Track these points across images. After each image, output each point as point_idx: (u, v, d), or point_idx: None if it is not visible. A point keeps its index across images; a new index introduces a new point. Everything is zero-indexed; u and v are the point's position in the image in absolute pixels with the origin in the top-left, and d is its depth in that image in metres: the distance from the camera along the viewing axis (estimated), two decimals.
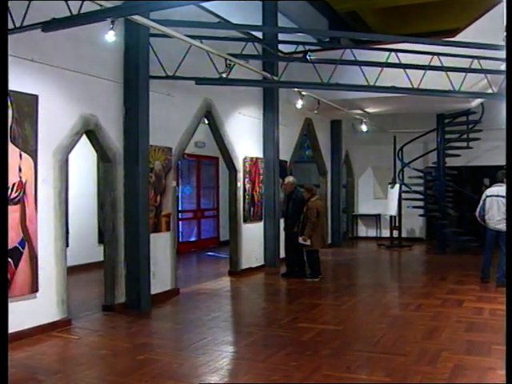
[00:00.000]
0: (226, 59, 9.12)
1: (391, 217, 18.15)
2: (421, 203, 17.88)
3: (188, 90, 10.38)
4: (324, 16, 18.03)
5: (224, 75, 9.27)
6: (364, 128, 16.18)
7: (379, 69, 10.13)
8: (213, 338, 7.47)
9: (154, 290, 9.45)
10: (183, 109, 10.56)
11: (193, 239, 17.56)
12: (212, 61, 9.26)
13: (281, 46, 12.94)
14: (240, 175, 12.72)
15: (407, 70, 10.06)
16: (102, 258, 10.35)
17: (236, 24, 10.33)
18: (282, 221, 13.29)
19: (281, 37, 12.72)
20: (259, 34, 12.65)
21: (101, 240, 12.90)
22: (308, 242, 11.51)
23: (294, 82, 11.50)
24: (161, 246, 9.90)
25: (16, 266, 7.24)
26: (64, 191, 8.09)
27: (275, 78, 11.36)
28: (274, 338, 7.55)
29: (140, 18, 7.34)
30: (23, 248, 7.33)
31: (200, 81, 9.97)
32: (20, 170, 7.26)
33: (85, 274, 11.91)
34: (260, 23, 13.10)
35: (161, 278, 9.87)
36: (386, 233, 19.38)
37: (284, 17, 14.54)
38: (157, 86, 9.52)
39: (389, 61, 10.01)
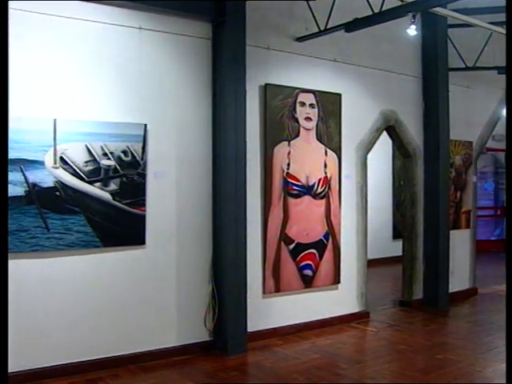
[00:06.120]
0: None
1: None
2: None
3: (488, 81, 9.87)
4: None
5: None
6: None
7: None
8: None
9: (452, 288, 9.21)
10: (483, 101, 10.09)
11: (493, 238, 16.68)
12: None
13: None
14: None
15: None
16: (395, 254, 10.40)
17: None
18: None
19: None
20: None
21: (395, 235, 12.99)
22: None
23: None
24: (460, 243, 9.60)
25: (321, 257, 7.61)
26: (365, 186, 8.29)
27: None
28: None
29: (441, 10, 7.17)
30: (327, 241, 7.67)
31: (502, 70, 9.42)
32: (325, 165, 7.61)
33: (379, 269, 12.03)
34: None
35: (459, 276, 9.57)
36: None
37: None
38: (455, 79, 9.23)
39: None
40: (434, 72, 8.87)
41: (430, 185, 8.93)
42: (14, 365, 5.49)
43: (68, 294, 5.83)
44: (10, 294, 5.43)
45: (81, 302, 5.90)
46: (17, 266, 5.50)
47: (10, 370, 5.42)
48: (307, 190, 7.42)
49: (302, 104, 7.35)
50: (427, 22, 8.74)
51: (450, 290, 9.14)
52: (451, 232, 9.17)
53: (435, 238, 8.89)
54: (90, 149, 5.86)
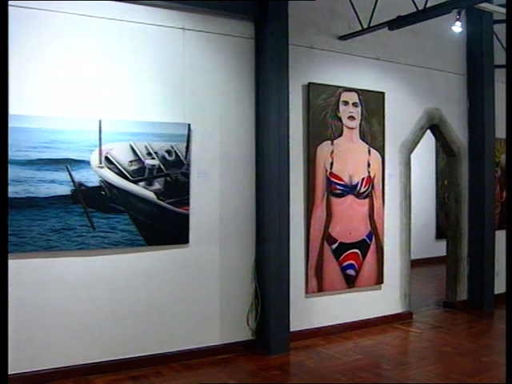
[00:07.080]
0: None
1: None
2: None
3: None
4: None
5: None
6: None
7: None
8: None
9: (498, 290, 8.98)
10: None
11: None
12: None
13: None
14: None
15: None
16: (438, 254, 10.21)
17: None
18: None
19: None
20: None
21: (438, 236, 12.81)
22: None
23: None
24: (505, 244, 9.39)
25: (364, 257, 7.56)
26: (409, 186, 8.20)
27: None
28: None
29: (487, 5, 7.04)
30: (370, 241, 7.61)
31: None
32: (369, 165, 7.56)
33: (422, 269, 11.89)
34: None
35: (505, 278, 9.35)
36: None
37: None
38: (501, 76, 9.03)
39: None
40: (479, 69, 8.71)
41: (474, 184, 8.77)
42: (59, 361, 5.60)
43: (112, 292, 5.90)
44: (55, 291, 5.59)
45: (125, 300, 5.97)
46: (63, 264, 5.61)
47: (54, 366, 5.55)
48: (350, 189, 7.38)
49: (346, 103, 7.31)
50: (472, 18, 8.59)
51: (496, 292, 8.93)
52: (497, 232, 8.98)
53: (480, 238, 8.74)
54: (135, 148, 5.93)
